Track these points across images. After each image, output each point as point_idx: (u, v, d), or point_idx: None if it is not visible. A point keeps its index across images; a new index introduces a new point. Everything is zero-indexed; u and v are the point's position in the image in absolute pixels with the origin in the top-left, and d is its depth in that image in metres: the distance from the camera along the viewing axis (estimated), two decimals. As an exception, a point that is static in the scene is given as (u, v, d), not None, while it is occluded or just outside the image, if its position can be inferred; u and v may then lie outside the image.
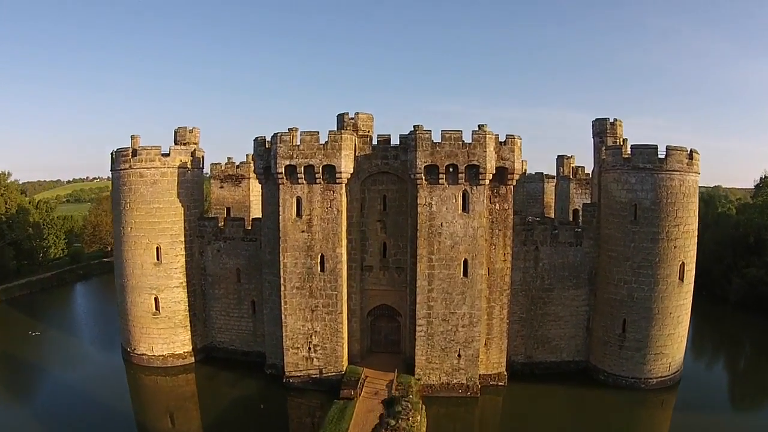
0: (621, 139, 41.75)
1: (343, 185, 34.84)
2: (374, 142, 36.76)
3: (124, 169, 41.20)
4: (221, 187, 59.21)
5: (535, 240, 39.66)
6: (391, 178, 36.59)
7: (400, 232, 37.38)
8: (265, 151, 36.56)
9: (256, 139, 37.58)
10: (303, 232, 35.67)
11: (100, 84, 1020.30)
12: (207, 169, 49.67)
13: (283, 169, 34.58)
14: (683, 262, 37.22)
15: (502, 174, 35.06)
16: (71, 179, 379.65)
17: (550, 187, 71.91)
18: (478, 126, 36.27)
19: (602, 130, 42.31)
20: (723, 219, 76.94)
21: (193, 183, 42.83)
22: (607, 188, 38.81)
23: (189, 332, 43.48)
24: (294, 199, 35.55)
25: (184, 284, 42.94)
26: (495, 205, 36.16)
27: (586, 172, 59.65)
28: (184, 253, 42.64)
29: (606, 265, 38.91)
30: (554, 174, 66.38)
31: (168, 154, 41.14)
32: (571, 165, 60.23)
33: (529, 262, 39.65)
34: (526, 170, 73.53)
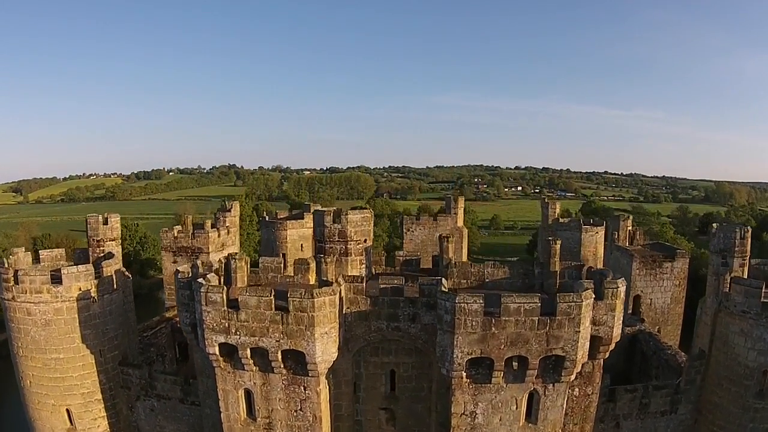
0: (748, 259, 26.42)
1: (321, 377, 19.25)
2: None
3: (8, 300, 25.97)
4: (174, 261, 43.56)
5: (617, 414, 25.29)
6: (404, 347, 20.91)
7: (419, 426, 21.84)
8: (191, 298, 20.84)
9: (176, 275, 21.81)
10: (257, 443, 20.25)
11: (99, 77, 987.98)
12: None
13: (216, 349, 19.00)
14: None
15: (592, 345, 19.59)
16: (67, 176, 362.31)
17: (588, 238, 56.31)
18: (554, 255, 20.80)
19: (728, 245, 26.46)
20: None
21: (105, 316, 27.32)
22: (727, 340, 25.04)
23: None
24: (241, 392, 20.05)
25: (113, 454, 28.32)
26: (574, 390, 20.86)
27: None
28: (105, 414, 28.04)
29: (707, 445, 25.79)
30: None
31: (59, 282, 25.66)
32: (628, 228, 44.76)
33: (605, 444, 25.06)
34: (558, 217, 58.19)
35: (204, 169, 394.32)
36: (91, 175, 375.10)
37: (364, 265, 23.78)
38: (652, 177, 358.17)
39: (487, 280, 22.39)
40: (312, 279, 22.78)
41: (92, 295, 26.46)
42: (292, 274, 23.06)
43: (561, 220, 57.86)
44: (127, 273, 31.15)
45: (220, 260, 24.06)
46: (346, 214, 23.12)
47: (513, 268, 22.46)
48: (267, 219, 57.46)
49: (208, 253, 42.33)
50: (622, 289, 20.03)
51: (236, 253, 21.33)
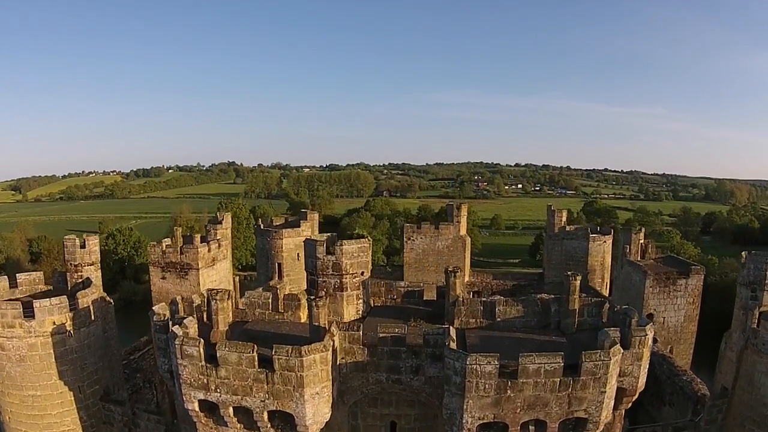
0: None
1: (314, 438, 17.01)
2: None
3: (-19, 333, 24.09)
4: (163, 277, 41.34)
5: (638, 459, 23.00)
6: (406, 398, 18.67)
7: (423, 482, 19.71)
8: (168, 343, 18.57)
9: (151, 317, 19.54)
10: (242, 507, 18.03)
11: (98, 74, 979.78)
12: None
13: (196, 405, 16.80)
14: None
15: (615, 397, 17.38)
16: (66, 174, 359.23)
17: (596, 247, 54.00)
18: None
19: (758, 278, 23.99)
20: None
21: (83, 350, 25.42)
22: (752, 379, 23.29)
23: None
24: (222, 449, 17.88)
25: (96, 494, 26.42)
26: (595, 443, 18.69)
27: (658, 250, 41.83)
28: (87, 452, 26.13)
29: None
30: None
31: (31, 316, 23.54)
32: (640, 241, 42.43)
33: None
34: (565, 225, 55.83)
35: (203, 166, 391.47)
36: (90, 172, 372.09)
37: (361, 300, 21.55)
38: (652, 174, 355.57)
39: (498, 319, 20.14)
40: (303, 317, 20.57)
41: (67, 329, 24.44)
42: (282, 311, 20.86)
43: (567, 227, 55.47)
44: (108, 298, 29.01)
45: (202, 294, 21.84)
46: (341, 245, 20.82)
47: (527, 306, 20.20)
48: (262, 227, 55.02)
49: (198, 269, 40.13)
50: (651, 335, 17.81)
51: (217, 291, 18.98)
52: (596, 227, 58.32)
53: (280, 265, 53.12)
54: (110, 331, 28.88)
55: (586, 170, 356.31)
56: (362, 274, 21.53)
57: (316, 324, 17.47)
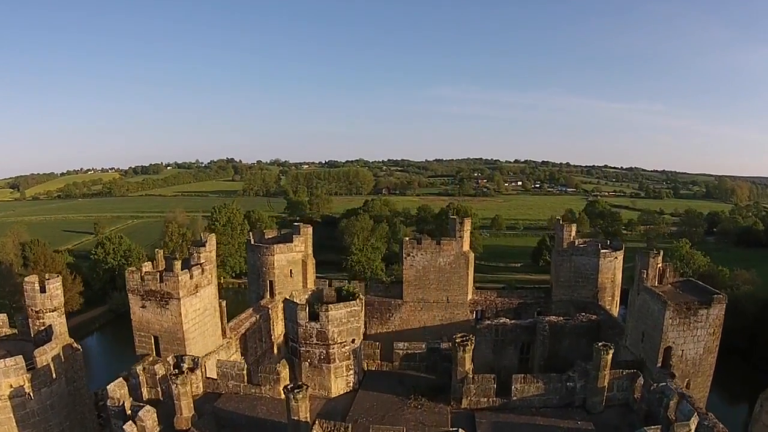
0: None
1: None
2: None
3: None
4: (143, 306, 38.02)
5: None
6: (405, 502, 15.62)
7: None
8: (121, 415, 15.42)
9: (107, 396, 16.31)
10: None
11: (97, 72, 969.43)
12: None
13: None
14: None
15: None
16: (65, 171, 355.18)
17: (606, 264, 50.91)
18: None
19: None
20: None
21: (45, 412, 22.48)
22: None
23: None
24: None
25: None
26: None
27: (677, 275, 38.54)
28: None
29: None
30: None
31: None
32: (657, 265, 39.19)
33: None
34: (575, 240, 52.67)
35: (202, 163, 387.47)
36: (89, 170, 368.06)
37: (352, 371, 18.38)
38: (652, 171, 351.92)
39: (514, 398, 17.04)
40: (282, 392, 17.45)
41: (26, 391, 21.37)
42: (260, 384, 17.74)
43: (576, 242, 52.28)
44: (75, 345, 26.02)
45: (168, 362, 18.73)
46: (327, 310, 17.62)
47: (548, 383, 17.08)
48: (253, 242, 51.78)
49: (179, 298, 36.89)
50: (693, 429, 14.72)
51: (178, 372, 15.82)
52: (607, 241, 55.11)
53: (271, 282, 50.05)
54: (79, 381, 25.96)
55: (586, 167, 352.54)
56: (353, 341, 18.36)
57: (296, 419, 14.37)
